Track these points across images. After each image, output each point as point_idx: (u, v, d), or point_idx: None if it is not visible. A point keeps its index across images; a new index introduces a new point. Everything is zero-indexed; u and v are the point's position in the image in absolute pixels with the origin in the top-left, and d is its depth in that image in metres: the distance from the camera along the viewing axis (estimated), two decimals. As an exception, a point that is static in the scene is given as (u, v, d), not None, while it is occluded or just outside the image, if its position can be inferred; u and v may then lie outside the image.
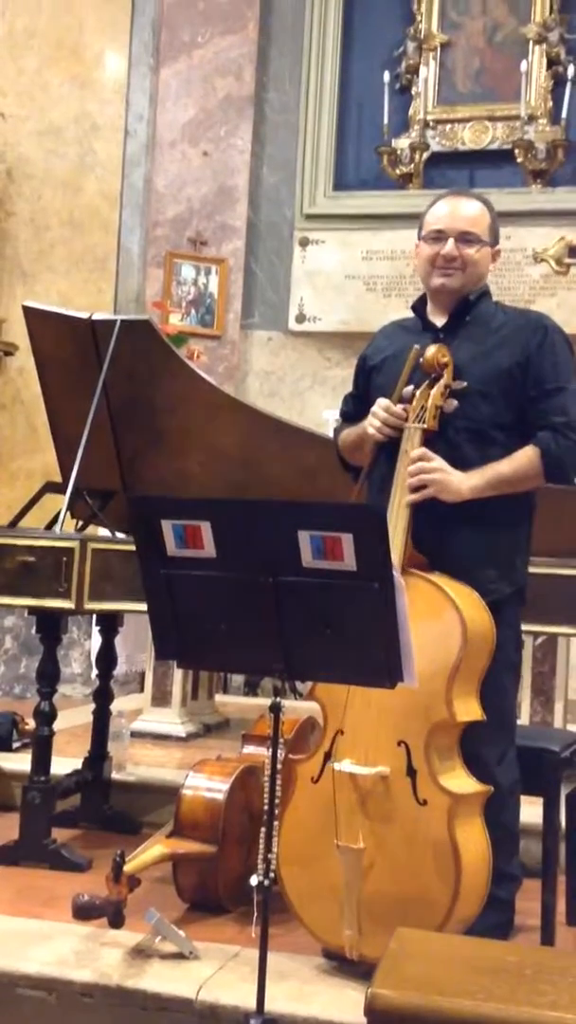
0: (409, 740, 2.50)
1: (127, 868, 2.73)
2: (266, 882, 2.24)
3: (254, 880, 2.25)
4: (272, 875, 2.25)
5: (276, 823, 2.28)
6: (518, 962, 1.92)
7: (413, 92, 6.65)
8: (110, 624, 3.94)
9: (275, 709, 2.27)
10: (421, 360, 2.70)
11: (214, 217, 6.67)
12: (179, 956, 2.65)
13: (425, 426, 2.68)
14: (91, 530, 3.86)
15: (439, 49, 6.65)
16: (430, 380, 2.70)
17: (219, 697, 5.27)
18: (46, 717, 3.41)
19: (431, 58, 6.63)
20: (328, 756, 2.59)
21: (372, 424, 2.75)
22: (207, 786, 3.08)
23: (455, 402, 2.69)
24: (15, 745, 4.37)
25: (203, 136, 6.68)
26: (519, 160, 6.36)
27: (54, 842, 3.39)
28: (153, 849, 2.95)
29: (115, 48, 6.67)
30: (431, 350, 2.69)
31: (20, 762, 3.88)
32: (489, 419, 2.72)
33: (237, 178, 6.67)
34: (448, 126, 6.61)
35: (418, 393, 2.69)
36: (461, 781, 2.54)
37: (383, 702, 2.49)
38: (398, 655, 2.17)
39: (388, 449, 2.74)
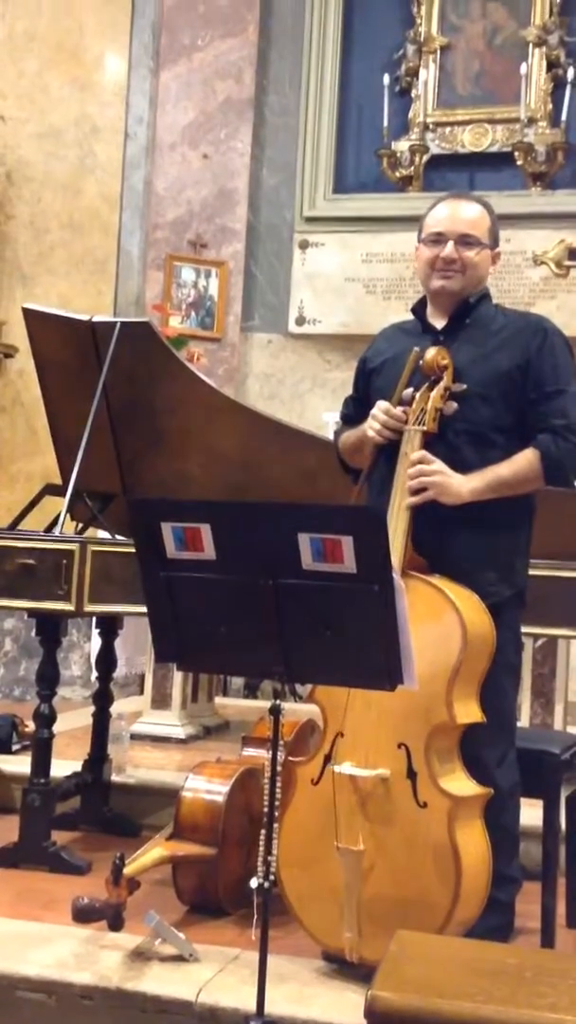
0: (409, 742, 2.50)
1: (127, 871, 2.73)
2: (266, 884, 2.23)
3: (254, 882, 2.25)
4: (272, 877, 2.25)
5: (276, 825, 2.28)
6: (518, 964, 1.92)
7: (413, 95, 6.66)
8: (110, 626, 3.94)
9: (275, 711, 2.27)
10: (421, 362, 2.70)
11: (214, 220, 6.68)
12: (179, 958, 2.65)
13: (425, 428, 2.68)
14: (90, 532, 3.87)
15: (439, 52, 6.66)
16: (430, 383, 2.70)
17: (219, 699, 5.27)
18: (46, 719, 3.41)
19: (431, 61, 6.64)
20: (328, 758, 2.59)
21: (371, 427, 2.75)
22: (207, 788, 3.08)
23: (455, 404, 2.69)
24: (15, 747, 4.37)
25: (203, 139, 6.68)
26: (519, 163, 6.36)
27: (54, 844, 3.39)
28: (153, 851, 2.95)
29: (115, 51, 6.67)
30: (431, 352, 2.69)
31: (20, 764, 3.88)
32: (489, 422, 2.72)
33: (237, 181, 6.68)
34: (448, 129, 6.62)
35: (418, 396, 2.70)
36: (461, 783, 2.54)
37: (383, 704, 2.49)
38: (398, 657, 2.17)
39: (388, 451, 2.74)
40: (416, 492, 2.64)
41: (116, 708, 4.02)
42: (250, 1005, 2.27)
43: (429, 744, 2.49)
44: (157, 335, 3.81)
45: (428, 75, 6.60)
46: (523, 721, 4.15)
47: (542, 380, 2.73)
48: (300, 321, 6.66)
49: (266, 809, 2.28)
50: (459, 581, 2.63)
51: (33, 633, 3.56)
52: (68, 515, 3.48)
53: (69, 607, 3.26)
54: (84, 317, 3.75)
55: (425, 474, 2.64)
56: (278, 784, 2.29)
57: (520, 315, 2.92)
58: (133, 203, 6.65)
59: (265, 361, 6.76)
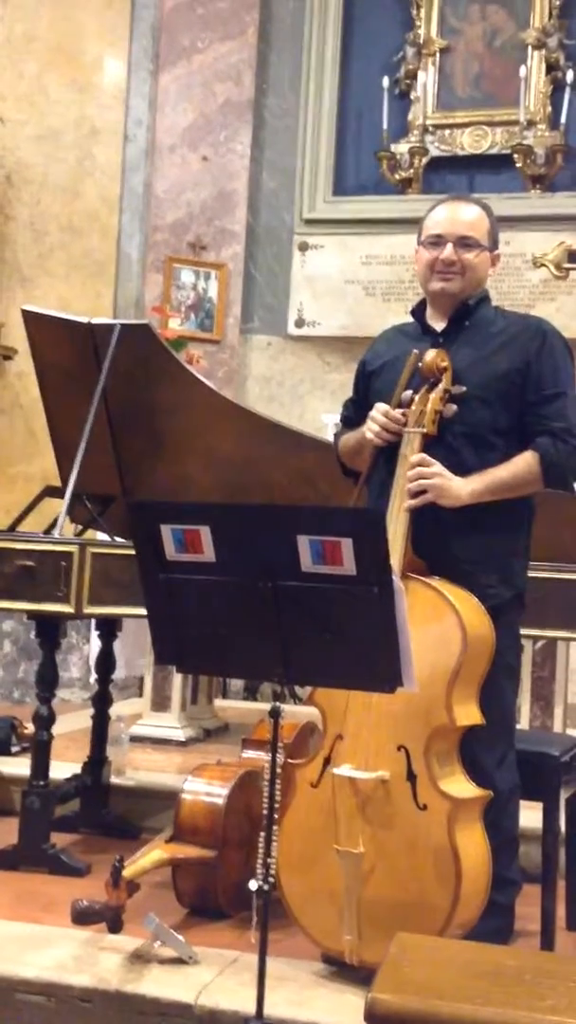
0: (409, 744, 2.50)
1: (126, 873, 2.73)
2: (266, 887, 2.23)
3: (253, 885, 2.24)
4: (272, 880, 2.25)
5: (276, 828, 2.28)
6: (518, 967, 1.92)
7: (412, 97, 6.67)
8: (109, 628, 3.93)
9: (275, 714, 2.26)
10: (420, 365, 2.70)
11: (213, 222, 6.68)
12: (178, 961, 2.65)
13: (424, 431, 2.67)
14: (90, 534, 3.87)
15: (438, 54, 6.67)
16: (429, 385, 2.70)
17: (218, 702, 5.27)
18: (45, 721, 3.41)
19: (430, 63, 6.65)
20: (328, 761, 2.59)
21: (371, 429, 2.74)
22: (207, 791, 3.07)
23: (454, 407, 2.69)
24: (14, 749, 4.37)
25: (202, 141, 6.69)
26: (518, 165, 6.37)
27: (53, 847, 3.39)
28: (152, 854, 2.95)
29: (114, 53, 6.67)
30: (430, 355, 2.69)
31: (19, 767, 3.87)
32: (488, 424, 2.72)
33: (236, 183, 6.68)
34: (447, 131, 6.63)
35: (417, 398, 2.69)
36: (461, 786, 2.54)
37: (383, 707, 2.49)
38: (398, 660, 2.17)
39: (387, 454, 2.74)
40: (415, 494, 2.64)
41: (115, 710, 4.01)
42: (250, 1008, 2.27)
43: (429, 746, 2.49)
44: (156, 337, 3.81)
45: (427, 77, 6.61)
46: (522, 723, 4.15)
47: (541, 383, 2.73)
48: (299, 323, 6.66)
49: (266, 811, 2.28)
50: (458, 583, 2.62)
51: (32, 635, 3.56)
52: (67, 517, 3.48)
53: (68, 609, 3.26)
54: (83, 319, 3.76)
55: (424, 476, 2.64)
56: (278, 786, 2.28)
57: (520, 317, 2.92)
58: (132, 205, 6.65)
59: (264, 363, 6.76)
